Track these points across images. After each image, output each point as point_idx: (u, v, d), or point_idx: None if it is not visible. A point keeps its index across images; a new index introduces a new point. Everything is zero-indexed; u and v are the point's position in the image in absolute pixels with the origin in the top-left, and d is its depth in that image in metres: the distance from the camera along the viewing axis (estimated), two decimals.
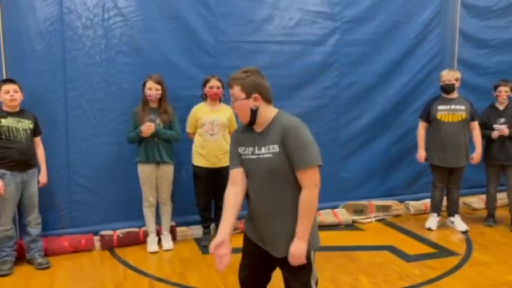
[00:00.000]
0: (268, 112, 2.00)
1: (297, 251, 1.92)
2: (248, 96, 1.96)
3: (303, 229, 1.92)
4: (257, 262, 2.15)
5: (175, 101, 3.97)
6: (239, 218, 4.35)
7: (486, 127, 4.43)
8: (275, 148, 1.93)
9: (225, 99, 4.07)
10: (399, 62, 4.89)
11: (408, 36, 4.87)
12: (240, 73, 1.98)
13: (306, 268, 2.01)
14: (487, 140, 4.47)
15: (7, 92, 3.35)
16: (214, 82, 3.92)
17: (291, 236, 1.95)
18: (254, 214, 2.07)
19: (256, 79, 1.97)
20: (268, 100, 2.00)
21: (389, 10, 4.77)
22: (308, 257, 1.99)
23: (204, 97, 4.02)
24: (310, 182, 1.91)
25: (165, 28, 4.06)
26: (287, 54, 4.47)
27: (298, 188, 1.94)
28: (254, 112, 1.97)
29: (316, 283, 2.13)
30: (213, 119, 3.93)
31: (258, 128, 2.02)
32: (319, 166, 1.93)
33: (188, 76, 4.16)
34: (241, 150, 2.05)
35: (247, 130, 2.06)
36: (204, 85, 3.97)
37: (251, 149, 2.01)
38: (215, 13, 4.20)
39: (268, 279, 2.22)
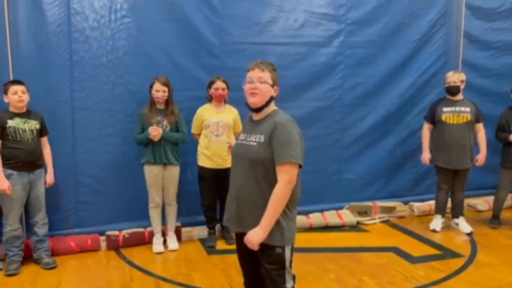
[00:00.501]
0: (271, 106, 2.16)
1: (252, 236, 1.99)
2: (273, 85, 2.12)
3: (267, 219, 1.98)
4: (242, 251, 2.20)
5: (180, 102, 3.99)
6: None
7: (504, 130, 4.41)
8: (261, 138, 2.04)
9: (230, 100, 4.10)
10: (403, 64, 4.90)
11: (413, 38, 4.88)
12: (270, 64, 2.15)
13: (278, 263, 2.05)
14: (505, 144, 4.44)
15: (15, 93, 3.37)
16: (219, 84, 3.94)
17: (249, 222, 2.04)
18: (231, 196, 2.16)
19: (277, 76, 2.17)
20: (276, 97, 2.18)
21: (394, 12, 4.78)
22: (281, 253, 2.04)
23: (209, 99, 4.04)
24: (284, 177, 1.97)
25: (171, 29, 4.09)
26: (292, 55, 4.48)
27: (272, 180, 2.00)
28: (269, 100, 2.11)
29: (294, 279, 2.14)
30: (218, 120, 3.95)
31: (256, 116, 2.17)
32: (300, 166, 2.02)
33: (193, 77, 4.19)
34: (240, 136, 2.22)
35: (249, 119, 2.23)
36: (209, 86, 3.99)
37: (245, 135, 2.16)
38: (221, 15, 4.22)
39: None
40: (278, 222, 2.01)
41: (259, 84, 2.08)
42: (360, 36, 4.69)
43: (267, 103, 2.11)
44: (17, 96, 3.38)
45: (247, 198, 2.06)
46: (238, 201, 2.10)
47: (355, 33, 4.67)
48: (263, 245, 2.03)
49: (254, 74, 2.10)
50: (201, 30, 4.18)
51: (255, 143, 2.06)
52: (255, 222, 2.02)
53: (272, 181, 2.01)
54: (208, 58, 4.24)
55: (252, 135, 2.10)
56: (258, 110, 2.12)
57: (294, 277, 2.14)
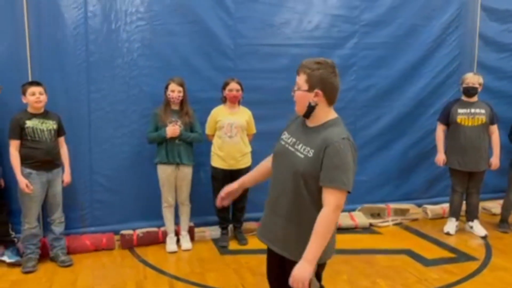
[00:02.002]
0: (325, 113, 1.87)
1: (301, 274, 1.73)
2: (310, 89, 1.84)
3: (312, 250, 1.73)
4: (270, 264, 2.12)
5: (194, 103, 4.03)
6: (257, 220, 4.41)
7: None
8: (310, 153, 1.82)
9: (244, 101, 4.12)
10: (417, 66, 4.87)
11: (427, 40, 4.85)
12: (313, 63, 1.85)
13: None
14: None
15: (33, 94, 3.44)
16: (233, 85, 3.98)
17: (292, 240, 1.89)
18: (269, 201, 2.02)
19: (325, 74, 1.83)
20: (330, 100, 1.87)
21: (408, 14, 4.76)
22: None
23: (223, 100, 4.08)
24: (332, 202, 1.76)
25: (185, 32, 4.13)
26: (305, 57, 4.31)
27: (315, 201, 1.82)
28: (311, 108, 1.85)
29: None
30: (232, 122, 3.98)
31: (310, 123, 1.91)
32: (348, 192, 1.79)
33: (207, 79, 4.23)
34: (284, 135, 2.00)
35: (301, 122, 1.97)
36: (223, 87, 4.02)
37: (293, 140, 1.93)
38: (235, 17, 4.26)
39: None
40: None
41: (295, 91, 1.89)
42: (374, 38, 4.68)
43: (309, 111, 1.86)
44: (35, 97, 3.45)
45: (282, 209, 1.91)
46: (273, 208, 1.97)
47: (369, 35, 4.67)
48: (293, 263, 1.81)
49: (296, 79, 1.90)
50: (215, 32, 4.22)
51: (302, 156, 1.85)
52: (285, 239, 1.90)
53: (312, 200, 1.83)
54: (222, 60, 4.28)
55: (301, 145, 1.88)
56: (305, 116, 1.91)
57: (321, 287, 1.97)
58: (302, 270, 1.73)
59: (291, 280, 1.76)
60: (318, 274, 1.90)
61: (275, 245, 1.97)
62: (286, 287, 1.84)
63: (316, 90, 1.83)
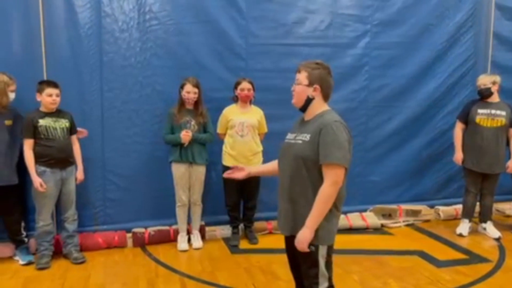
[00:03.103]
0: (320, 106, 2.14)
1: (300, 236, 2.03)
2: (310, 85, 2.11)
3: (311, 219, 2.01)
4: (287, 252, 2.30)
5: (206, 102, 4.04)
6: (267, 219, 4.42)
7: None
8: (307, 137, 2.06)
9: (256, 101, 4.13)
10: (430, 65, 4.84)
11: (440, 39, 4.81)
12: (313, 63, 2.15)
13: (311, 261, 2.08)
14: None
15: (50, 95, 3.48)
16: (245, 85, 3.98)
17: (296, 219, 2.09)
18: (279, 193, 2.22)
19: (323, 73, 2.12)
20: (325, 96, 2.14)
21: (421, 13, 4.73)
22: (314, 251, 2.05)
23: (235, 99, 4.09)
24: (329, 178, 1.98)
25: (198, 31, 4.15)
26: (317, 56, 4.33)
27: (317, 180, 2.02)
28: (308, 101, 2.13)
29: (329, 280, 2.14)
30: (243, 121, 3.99)
31: (306, 117, 2.18)
32: (345, 168, 2.01)
33: (219, 78, 4.24)
34: (288, 135, 2.23)
35: (300, 120, 2.24)
36: (235, 87, 4.04)
37: (294, 135, 2.17)
38: (247, 17, 4.26)
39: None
40: None
41: (295, 85, 2.15)
42: (386, 37, 4.66)
43: (306, 103, 2.13)
44: (51, 99, 3.49)
45: (289, 194, 2.12)
46: (282, 197, 2.17)
47: (381, 34, 4.65)
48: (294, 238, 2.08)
49: (296, 76, 2.17)
50: (228, 32, 4.23)
51: (300, 142, 2.09)
52: (288, 219, 2.11)
53: (314, 180, 2.03)
54: (234, 60, 4.29)
55: (300, 134, 2.13)
56: (301, 110, 2.18)
57: (330, 281, 2.13)
58: (303, 234, 2.02)
59: (295, 242, 2.05)
60: (330, 257, 2.12)
61: (284, 230, 2.20)
62: (300, 270, 2.16)
63: (315, 86, 2.11)
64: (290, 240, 2.19)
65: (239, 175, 2.49)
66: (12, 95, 3.52)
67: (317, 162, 2.01)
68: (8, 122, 3.51)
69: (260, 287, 3.22)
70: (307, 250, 2.04)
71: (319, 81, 2.10)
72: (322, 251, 2.08)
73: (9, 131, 3.51)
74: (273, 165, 2.39)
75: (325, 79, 2.12)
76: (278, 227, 2.26)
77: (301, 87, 2.13)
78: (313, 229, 2.01)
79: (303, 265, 2.14)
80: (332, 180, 1.98)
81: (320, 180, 2.01)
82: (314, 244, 2.04)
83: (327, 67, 2.15)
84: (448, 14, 4.79)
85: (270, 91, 4.31)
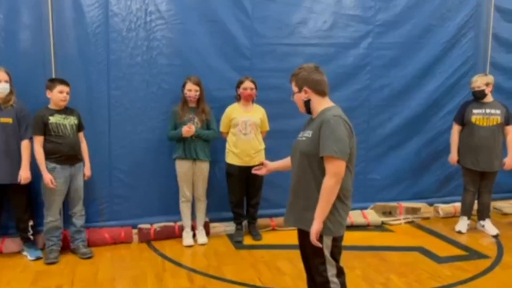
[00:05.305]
0: (320, 104, 2.23)
1: (313, 228, 2.11)
2: (300, 90, 2.24)
3: (318, 211, 2.10)
4: (299, 245, 2.39)
5: (211, 101, 4.12)
6: (270, 216, 4.48)
7: None
8: (309, 133, 2.18)
9: (260, 100, 4.20)
10: (431, 66, 4.91)
11: (441, 40, 4.89)
12: (297, 69, 2.27)
13: (317, 252, 2.17)
14: None
15: (61, 92, 3.55)
16: (248, 84, 4.05)
17: (298, 212, 2.21)
18: (290, 189, 2.32)
19: (306, 74, 2.22)
20: (319, 93, 2.23)
21: (423, 14, 4.80)
22: (320, 241, 2.14)
23: (237, 98, 4.16)
24: (329, 170, 2.07)
25: (204, 31, 4.22)
26: (321, 56, 4.55)
27: (319, 175, 2.12)
28: (307, 103, 2.25)
29: (340, 273, 2.23)
30: (246, 119, 4.06)
31: (313, 116, 2.28)
32: (342, 159, 2.08)
33: (224, 77, 4.30)
34: (299, 134, 2.32)
35: (310, 118, 2.34)
36: (238, 86, 4.11)
37: (302, 133, 2.29)
38: (252, 17, 4.33)
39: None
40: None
41: (292, 96, 2.32)
42: (388, 38, 4.73)
43: (307, 107, 2.26)
44: (63, 96, 3.56)
45: (295, 188, 2.25)
46: (290, 191, 2.29)
47: (383, 35, 4.72)
48: (305, 235, 2.18)
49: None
50: (233, 32, 4.30)
51: (304, 138, 2.21)
52: (299, 212, 2.20)
53: (316, 175, 2.13)
54: (239, 59, 4.36)
55: (305, 132, 2.25)
56: (308, 113, 2.31)
57: (339, 268, 2.23)
58: (313, 226, 2.11)
59: (311, 234, 2.12)
60: (338, 248, 2.23)
61: (288, 221, 2.31)
62: (309, 260, 2.28)
63: (304, 88, 2.22)
64: (300, 233, 2.31)
65: (262, 171, 2.60)
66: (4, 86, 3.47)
67: (318, 157, 2.11)
68: (4, 120, 3.48)
69: (266, 281, 3.30)
70: (318, 243, 2.12)
71: (305, 83, 2.21)
72: (327, 242, 2.16)
73: (5, 128, 3.48)
74: (288, 161, 2.49)
75: (310, 78, 2.21)
76: (284, 220, 2.37)
77: (296, 95, 2.28)
78: (320, 221, 2.10)
79: (309, 255, 2.25)
80: (332, 172, 2.06)
81: (322, 174, 2.10)
82: (320, 235, 2.13)
83: (311, 67, 2.24)
84: (449, 15, 4.87)
85: (275, 90, 4.38)
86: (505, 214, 5.06)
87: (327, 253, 2.17)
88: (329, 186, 2.07)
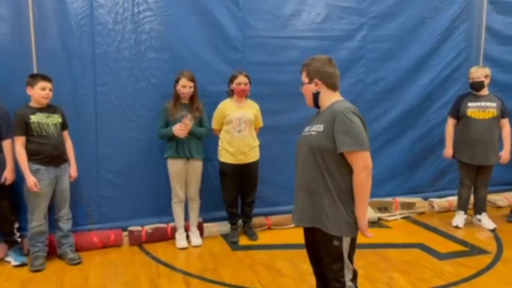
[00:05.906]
0: (329, 97, 2.16)
1: (360, 228, 2.06)
2: (311, 81, 2.16)
3: (357, 210, 2.03)
4: (307, 245, 2.30)
5: (203, 96, 3.94)
6: (266, 215, 4.36)
7: None
8: (320, 127, 2.08)
9: (252, 95, 4.05)
10: (425, 59, 4.84)
11: (435, 32, 4.82)
12: (309, 60, 2.20)
13: (335, 255, 2.07)
14: None
15: (44, 88, 3.33)
16: (241, 79, 3.89)
17: (317, 210, 2.08)
18: (295, 186, 2.24)
19: (318, 65, 2.15)
20: (330, 86, 2.16)
21: (416, 6, 4.72)
22: (337, 245, 2.06)
23: (230, 93, 4.00)
24: (357, 165, 2.00)
25: (194, 23, 4.03)
26: (314, 49, 4.38)
27: (335, 170, 2.03)
28: (315, 96, 2.18)
29: (355, 276, 2.14)
30: (240, 116, 3.91)
31: (321, 109, 2.22)
32: (366, 150, 2.03)
33: (215, 71, 4.14)
34: (304, 129, 2.24)
35: (316, 112, 2.27)
36: (231, 81, 3.94)
37: (309, 127, 2.20)
38: (243, 9, 4.17)
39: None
40: (338, 210, 2.03)
41: (301, 87, 2.24)
42: (382, 30, 4.64)
43: (315, 99, 2.18)
44: (45, 93, 3.34)
45: (307, 186, 2.13)
46: (299, 189, 2.18)
47: (377, 27, 4.62)
48: (321, 236, 2.08)
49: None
50: (224, 24, 4.13)
51: (315, 133, 2.11)
52: (318, 210, 2.07)
53: (332, 170, 2.04)
54: (231, 52, 4.19)
55: (313, 126, 2.15)
56: (315, 107, 2.23)
57: (354, 272, 2.14)
58: (360, 225, 2.05)
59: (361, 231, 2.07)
60: (353, 249, 2.14)
61: (302, 221, 2.19)
62: (320, 259, 2.17)
63: (315, 80, 2.15)
64: (310, 232, 2.19)
65: None
66: None
67: (333, 152, 2.02)
68: None
69: (266, 283, 3.16)
70: (369, 236, 2.06)
71: (317, 75, 2.14)
72: (345, 244, 2.08)
73: None
74: None
75: (322, 70, 2.14)
76: (295, 219, 2.25)
77: (305, 86, 2.20)
78: (364, 218, 2.03)
79: (326, 259, 2.12)
80: (360, 167, 1.99)
81: (337, 169, 2.03)
82: (338, 236, 2.03)
83: (324, 59, 2.18)
84: (442, 7, 4.80)
85: (267, 84, 4.26)
86: (499, 207, 5.04)
87: (345, 256, 2.07)
88: (362, 181, 2.00)
